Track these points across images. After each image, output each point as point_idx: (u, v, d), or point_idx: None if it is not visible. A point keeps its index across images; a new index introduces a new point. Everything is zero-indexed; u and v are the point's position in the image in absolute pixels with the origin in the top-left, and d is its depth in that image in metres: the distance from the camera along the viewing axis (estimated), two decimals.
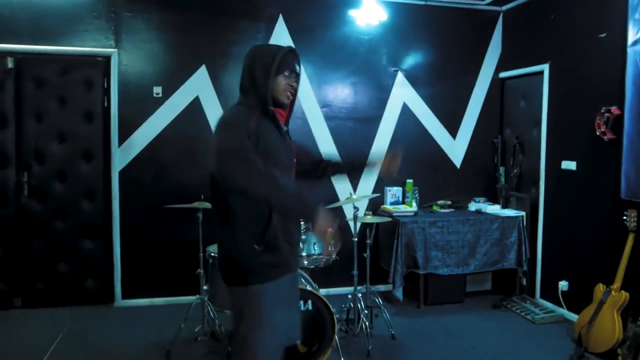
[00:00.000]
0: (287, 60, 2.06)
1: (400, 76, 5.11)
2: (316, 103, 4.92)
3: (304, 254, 3.49)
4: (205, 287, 3.72)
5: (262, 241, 1.95)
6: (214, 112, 4.63)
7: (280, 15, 4.75)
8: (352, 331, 3.93)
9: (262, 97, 2.00)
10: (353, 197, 3.95)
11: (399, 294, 4.52)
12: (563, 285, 4.43)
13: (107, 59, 4.48)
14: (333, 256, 3.70)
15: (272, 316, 1.98)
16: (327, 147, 4.92)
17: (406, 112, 5.14)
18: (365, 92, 5.04)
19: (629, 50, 3.65)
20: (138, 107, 4.53)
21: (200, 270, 3.74)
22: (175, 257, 4.64)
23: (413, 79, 5.13)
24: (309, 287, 3.32)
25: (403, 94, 5.12)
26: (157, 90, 4.54)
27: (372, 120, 5.08)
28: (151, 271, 4.65)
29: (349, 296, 3.98)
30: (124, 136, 4.53)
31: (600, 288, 3.76)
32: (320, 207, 1.84)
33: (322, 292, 3.55)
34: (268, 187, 1.80)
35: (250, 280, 1.97)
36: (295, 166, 2.18)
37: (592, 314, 3.70)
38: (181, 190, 4.46)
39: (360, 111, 5.05)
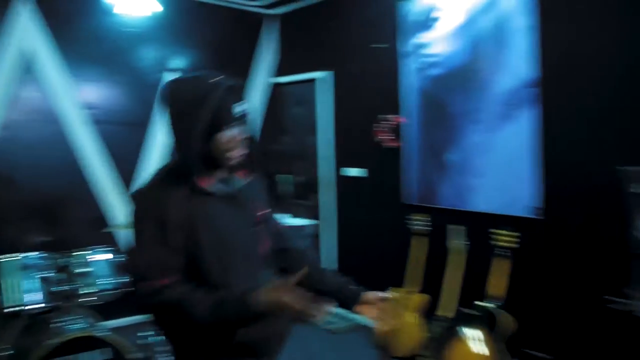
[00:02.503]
0: (223, 107, 1.35)
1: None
2: (75, 104, 4.04)
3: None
4: None
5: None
6: None
7: None
8: None
9: (188, 165, 1.37)
10: None
11: None
12: None
13: None
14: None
15: None
16: (93, 157, 4.10)
17: None
18: (134, 94, 4.34)
19: (403, 61, 3.90)
20: None
21: None
22: None
23: None
24: (97, 333, 2.57)
25: None
26: None
27: (143, 125, 4.42)
28: None
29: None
30: None
31: (395, 291, 3.85)
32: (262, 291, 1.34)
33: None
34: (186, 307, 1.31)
35: None
36: (266, 252, 1.55)
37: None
38: None
39: (132, 114, 4.33)
